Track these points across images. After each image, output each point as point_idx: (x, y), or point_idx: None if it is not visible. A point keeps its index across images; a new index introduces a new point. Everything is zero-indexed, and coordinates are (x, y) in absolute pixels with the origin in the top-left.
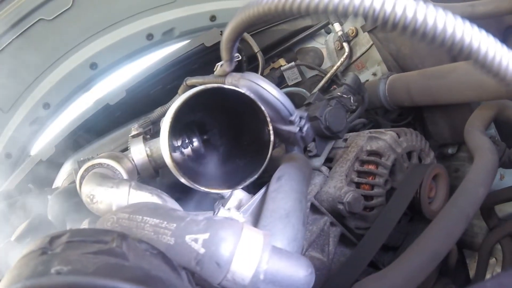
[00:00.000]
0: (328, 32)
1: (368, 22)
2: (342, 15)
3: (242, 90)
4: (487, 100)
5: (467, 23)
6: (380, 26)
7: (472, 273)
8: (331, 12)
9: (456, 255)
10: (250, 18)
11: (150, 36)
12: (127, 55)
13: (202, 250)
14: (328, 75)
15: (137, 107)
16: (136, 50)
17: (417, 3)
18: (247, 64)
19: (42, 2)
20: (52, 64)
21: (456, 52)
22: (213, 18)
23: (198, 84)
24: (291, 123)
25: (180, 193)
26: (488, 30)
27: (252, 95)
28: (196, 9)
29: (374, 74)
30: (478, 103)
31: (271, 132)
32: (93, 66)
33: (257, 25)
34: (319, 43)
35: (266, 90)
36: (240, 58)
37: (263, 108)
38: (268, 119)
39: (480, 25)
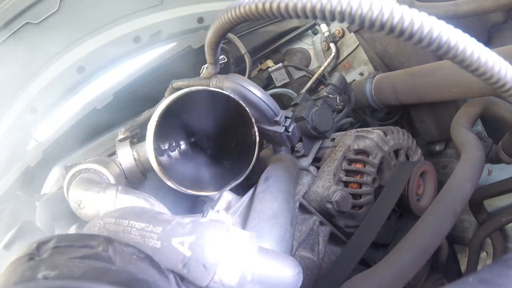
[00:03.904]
0: (315, 33)
1: (354, 25)
2: (329, 18)
3: (226, 92)
4: (472, 97)
5: (442, 22)
6: (367, 27)
7: (463, 267)
8: (318, 15)
9: (447, 250)
10: (230, 21)
11: (137, 39)
12: (114, 58)
13: (188, 253)
14: (315, 75)
15: (124, 110)
16: (124, 53)
17: (402, 7)
18: (235, 66)
19: (29, 5)
20: (39, 68)
21: (433, 49)
22: (200, 20)
23: (184, 87)
24: (277, 123)
25: (170, 196)
26: (473, 28)
27: (236, 97)
28: (184, 11)
29: (361, 74)
30: (464, 100)
31: (257, 133)
32: (81, 69)
33: (241, 27)
34: (306, 44)
35: (250, 91)
36: (226, 60)
37: (247, 109)
38: (253, 121)
39: (465, 24)
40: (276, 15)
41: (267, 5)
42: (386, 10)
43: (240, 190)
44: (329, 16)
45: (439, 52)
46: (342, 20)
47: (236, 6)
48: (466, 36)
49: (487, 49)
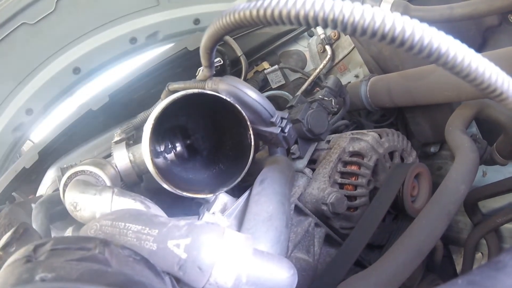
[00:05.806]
0: (311, 35)
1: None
2: (322, 25)
3: (222, 95)
4: (466, 100)
5: (434, 29)
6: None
7: (459, 268)
8: (311, 23)
9: (442, 251)
10: (225, 26)
11: (133, 40)
12: (110, 59)
13: (184, 255)
14: (311, 77)
15: (120, 112)
16: (120, 54)
17: (394, 16)
18: (231, 68)
19: (25, 6)
20: (34, 69)
21: (424, 56)
22: (196, 21)
23: (180, 89)
24: (272, 124)
25: (166, 198)
26: (468, 31)
27: (231, 99)
28: (180, 13)
29: (357, 76)
30: (458, 102)
31: (252, 136)
32: (76, 70)
33: (235, 31)
34: (302, 46)
35: (245, 93)
36: (222, 62)
37: (243, 112)
38: (248, 123)
39: (460, 27)
40: (270, 22)
41: (261, 12)
42: (378, 18)
43: (236, 192)
44: (322, 24)
45: (430, 58)
46: (334, 27)
47: (230, 13)
48: (457, 42)
49: (477, 55)
